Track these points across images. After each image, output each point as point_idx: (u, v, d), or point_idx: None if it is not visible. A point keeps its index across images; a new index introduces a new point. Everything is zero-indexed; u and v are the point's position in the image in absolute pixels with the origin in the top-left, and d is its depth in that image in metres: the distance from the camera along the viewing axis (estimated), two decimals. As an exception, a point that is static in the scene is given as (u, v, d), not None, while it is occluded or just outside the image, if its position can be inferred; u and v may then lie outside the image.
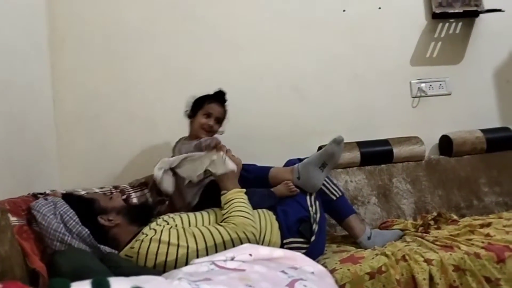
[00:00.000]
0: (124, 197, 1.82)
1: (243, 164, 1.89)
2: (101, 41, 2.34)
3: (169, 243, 1.42)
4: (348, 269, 1.55)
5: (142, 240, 1.43)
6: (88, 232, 1.41)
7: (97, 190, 1.92)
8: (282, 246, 1.69)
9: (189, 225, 1.57)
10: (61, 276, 1.14)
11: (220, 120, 2.01)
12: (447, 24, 2.70)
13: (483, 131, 2.52)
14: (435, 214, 2.11)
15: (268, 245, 1.63)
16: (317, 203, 1.84)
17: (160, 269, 1.38)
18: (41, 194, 1.62)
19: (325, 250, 1.84)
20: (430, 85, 2.66)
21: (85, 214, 1.46)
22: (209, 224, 1.60)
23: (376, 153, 2.40)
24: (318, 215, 1.80)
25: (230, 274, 0.84)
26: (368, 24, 2.61)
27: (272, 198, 1.82)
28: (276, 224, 1.71)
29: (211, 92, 2.03)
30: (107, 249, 1.44)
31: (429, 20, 2.67)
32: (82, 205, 1.51)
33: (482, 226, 1.88)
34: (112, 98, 2.33)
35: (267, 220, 1.70)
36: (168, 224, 1.54)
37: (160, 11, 2.41)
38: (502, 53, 2.75)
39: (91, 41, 2.33)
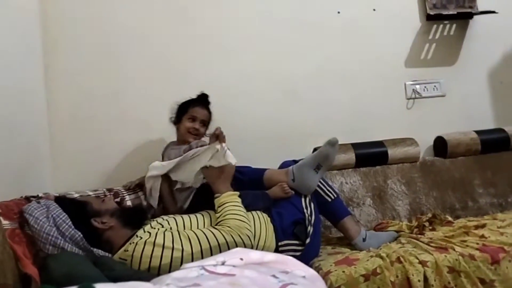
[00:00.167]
0: (118, 199, 1.81)
1: (237, 166, 1.89)
2: (95, 42, 2.33)
3: (163, 246, 1.41)
4: (343, 271, 1.55)
5: (136, 243, 1.42)
6: (81, 235, 1.39)
7: (90, 193, 1.91)
8: (277, 248, 1.68)
9: (184, 228, 1.56)
10: (53, 280, 1.14)
11: (205, 123, 2.02)
12: (441, 26, 2.71)
13: (477, 132, 2.53)
14: (429, 215, 2.11)
15: (263, 248, 1.63)
16: (312, 205, 1.84)
17: (154, 272, 1.38)
18: (33, 197, 1.60)
19: (320, 252, 1.84)
20: (425, 87, 2.67)
21: (78, 217, 1.45)
22: (204, 226, 1.60)
23: (371, 155, 2.41)
24: (313, 217, 1.79)
25: (220, 279, 0.84)
26: (362, 26, 2.61)
27: (267, 199, 1.81)
28: (271, 227, 1.71)
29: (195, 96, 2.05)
30: (100, 252, 1.43)
31: (424, 22, 2.68)
32: (75, 208, 1.50)
33: (476, 227, 1.89)
34: (106, 100, 2.32)
35: (262, 222, 1.69)
36: (162, 227, 1.53)
37: (154, 13, 2.40)
38: (496, 55, 2.76)
39: (85, 42, 2.32)
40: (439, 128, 2.59)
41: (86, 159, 2.28)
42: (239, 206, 1.64)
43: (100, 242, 1.47)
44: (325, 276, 1.55)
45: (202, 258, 1.34)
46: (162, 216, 1.65)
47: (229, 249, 1.38)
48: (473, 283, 1.54)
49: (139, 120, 2.34)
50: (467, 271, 1.55)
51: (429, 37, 2.70)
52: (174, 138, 2.09)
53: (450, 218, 2.10)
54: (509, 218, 1.99)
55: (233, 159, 1.77)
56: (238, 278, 0.86)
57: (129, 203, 1.94)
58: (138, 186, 2.04)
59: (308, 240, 1.73)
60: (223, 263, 0.94)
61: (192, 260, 1.37)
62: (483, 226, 1.90)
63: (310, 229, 1.75)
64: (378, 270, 1.55)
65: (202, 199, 1.77)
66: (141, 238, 1.44)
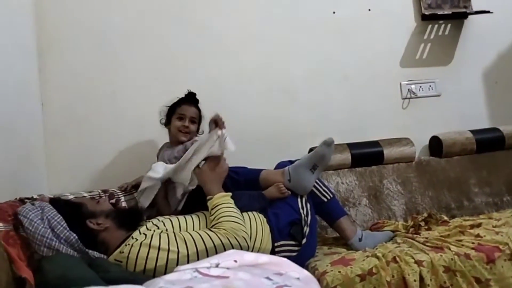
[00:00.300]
0: (113, 200, 1.81)
1: (233, 167, 1.89)
2: (89, 43, 2.32)
3: (159, 248, 1.41)
4: (339, 272, 1.55)
5: (132, 245, 1.42)
6: (76, 237, 1.39)
7: (85, 194, 1.90)
8: (273, 249, 1.68)
9: (180, 229, 1.56)
10: (48, 282, 1.13)
11: (195, 120, 2.02)
12: (436, 26, 2.71)
13: (472, 132, 2.54)
14: (425, 215, 2.11)
15: (259, 248, 1.63)
16: (308, 205, 1.84)
17: (149, 274, 1.37)
18: (28, 199, 1.60)
19: (316, 252, 1.84)
20: (420, 87, 2.67)
21: (73, 219, 1.45)
22: (199, 227, 1.59)
23: (366, 155, 2.41)
24: (309, 217, 1.79)
25: (213, 282, 0.83)
26: (358, 26, 2.62)
27: (263, 200, 1.81)
28: (267, 227, 1.71)
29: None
30: (95, 254, 1.42)
31: (419, 21, 2.69)
32: (70, 210, 1.49)
33: (472, 226, 1.89)
34: (101, 100, 2.31)
35: (258, 223, 1.69)
36: (158, 228, 1.52)
37: (149, 13, 2.40)
38: (490, 54, 2.77)
39: (79, 43, 2.31)
40: (435, 127, 2.60)
41: (81, 160, 2.27)
42: (233, 207, 1.63)
43: (95, 244, 1.46)
44: (321, 276, 1.55)
45: (198, 260, 1.33)
46: (158, 218, 1.64)
47: (225, 251, 1.38)
48: (468, 282, 1.55)
49: (134, 121, 2.33)
50: (462, 271, 1.56)
51: (424, 37, 2.71)
52: (168, 139, 2.09)
53: (445, 218, 2.10)
54: (504, 217, 1.99)
55: (232, 146, 1.78)
56: (232, 280, 0.86)
57: (124, 204, 1.94)
58: (134, 188, 2.03)
59: (304, 241, 1.72)
60: (217, 265, 0.94)
61: (188, 262, 1.36)
62: (478, 225, 1.90)
63: (306, 229, 1.75)
64: (374, 270, 1.55)
65: (196, 201, 1.76)
66: (137, 240, 1.43)
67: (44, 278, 1.15)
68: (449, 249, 1.64)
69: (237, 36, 2.49)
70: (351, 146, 2.40)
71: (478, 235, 1.76)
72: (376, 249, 1.76)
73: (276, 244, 1.69)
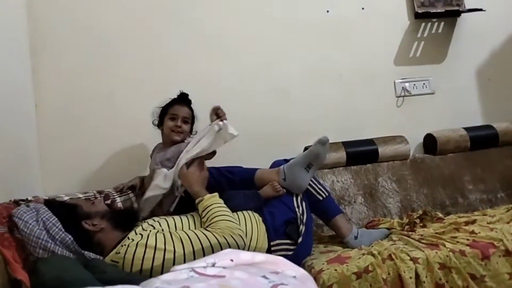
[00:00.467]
0: (108, 201, 1.80)
1: (228, 167, 1.90)
2: (83, 43, 2.31)
3: (155, 248, 1.41)
4: (335, 270, 1.55)
5: (128, 245, 1.42)
6: (72, 238, 1.39)
7: (80, 195, 1.89)
8: (269, 248, 1.68)
9: (175, 229, 1.56)
10: (44, 284, 1.13)
11: (187, 120, 2.01)
12: (429, 24, 2.72)
13: (466, 129, 2.55)
14: (420, 212, 2.12)
15: (255, 247, 1.63)
16: (304, 204, 1.84)
17: (146, 274, 1.37)
18: (22, 200, 1.59)
19: (312, 250, 1.84)
20: (414, 85, 2.68)
21: (68, 220, 1.44)
22: (195, 227, 1.59)
23: (361, 153, 2.41)
24: (305, 216, 1.80)
25: (210, 281, 0.83)
26: (351, 24, 2.62)
27: (258, 199, 1.81)
28: (263, 226, 1.71)
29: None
30: (91, 255, 1.42)
31: (412, 20, 2.70)
32: (65, 211, 1.49)
33: (467, 223, 1.90)
34: (96, 101, 2.30)
35: (254, 222, 1.69)
36: (154, 228, 1.52)
37: (144, 13, 2.39)
38: (483, 52, 2.79)
39: (73, 44, 2.29)
40: (429, 125, 2.61)
41: (75, 161, 2.26)
42: (225, 207, 1.64)
43: (91, 245, 1.46)
44: (317, 274, 1.55)
45: (194, 259, 1.33)
46: (153, 218, 1.64)
47: (221, 250, 1.39)
48: (464, 278, 1.56)
49: (129, 122, 2.32)
50: (458, 267, 1.57)
51: (418, 35, 2.72)
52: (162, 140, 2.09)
53: (440, 215, 2.11)
54: (498, 213, 2.01)
55: (235, 131, 1.82)
56: (228, 279, 0.86)
57: (120, 205, 1.93)
58: (129, 188, 2.03)
59: (300, 239, 1.73)
60: (213, 265, 0.94)
61: (184, 262, 1.37)
62: (473, 222, 1.91)
63: (302, 228, 1.75)
64: (370, 268, 1.55)
65: (187, 202, 1.76)
66: (133, 240, 1.43)
67: (40, 279, 1.15)
68: (444, 246, 1.64)
69: (233, 36, 2.49)
70: (346, 144, 2.40)
71: (472, 232, 1.77)
72: (372, 246, 1.76)
73: (272, 243, 1.69)
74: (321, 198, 1.93)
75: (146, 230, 1.49)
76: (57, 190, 2.03)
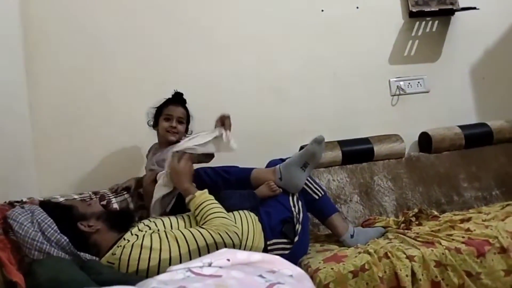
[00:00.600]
0: (104, 202, 1.79)
1: (224, 166, 1.89)
2: (78, 43, 2.30)
3: (151, 248, 1.40)
4: (332, 268, 1.56)
5: (124, 246, 1.41)
6: (67, 240, 1.38)
7: (76, 197, 1.88)
8: (265, 247, 1.68)
9: (171, 228, 1.55)
10: (39, 286, 1.12)
11: (182, 121, 2.01)
12: (423, 23, 2.74)
13: (461, 127, 2.56)
14: (416, 210, 2.13)
15: (252, 247, 1.63)
16: (300, 203, 1.84)
17: (142, 275, 1.36)
18: (17, 202, 1.58)
19: (309, 249, 1.85)
20: (409, 83, 2.69)
21: (63, 221, 1.43)
22: (191, 226, 1.59)
23: (357, 152, 2.42)
24: (301, 215, 1.80)
25: (206, 281, 0.83)
26: (346, 23, 2.63)
27: (254, 199, 1.81)
28: (259, 226, 1.71)
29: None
30: (87, 256, 1.41)
31: (406, 18, 2.71)
32: (61, 212, 1.48)
33: (462, 221, 1.91)
34: (90, 102, 2.29)
35: (250, 222, 1.69)
36: (150, 228, 1.52)
37: (139, 12, 2.38)
38: (477, 51, 2.80)
39: (67, 43, 2.28)
40: (424, 124, 2.62)
41: (70, 162, 2.25)
42: (216, 203, 1.63)
43: (87, 246, 1.45)
44: (314, 273, 1.55)
45: (191, 259, 1.33)
46: (149, 218, 1.63)
47: (217, 249, 1.38)
48: (459, 276, 1.56)
49: (125, 122, 2.31)
50: (453, 265, 1.57)
51: (412, 34, 2.73)
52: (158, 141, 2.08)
53: (436, 213, 2.12)
54: (493, 211, 2.02)
55: (234, 146, 1.83)
56: (225, 279, 0.86)
57: (115, 206, 1.92)
58: (125, 189, 2.02)
59: (296, 238, 1.73)
60: (209, 265, 0.94)
61: (181, 262, 1.36)
62: (468, 219, 1.92)
63: (298, 227, 1.75)
64: (366, 266, 1.56)
65: (184, 203, 1.75)
66: (129, 241, 1.42)
67: (35, 281, 1.14)
68: (440, 243, 1.65)
69: (227, 36, 2.49)
70: (341, 143, 2.41)
71: (468, 230, 1.78)
72: (368, 245, 1.77)
73: (268, 243, 1.69)
74: (317, 197, 1.93)
75: (142, 231, 1.48)
76: (52, 191, 2.02)
